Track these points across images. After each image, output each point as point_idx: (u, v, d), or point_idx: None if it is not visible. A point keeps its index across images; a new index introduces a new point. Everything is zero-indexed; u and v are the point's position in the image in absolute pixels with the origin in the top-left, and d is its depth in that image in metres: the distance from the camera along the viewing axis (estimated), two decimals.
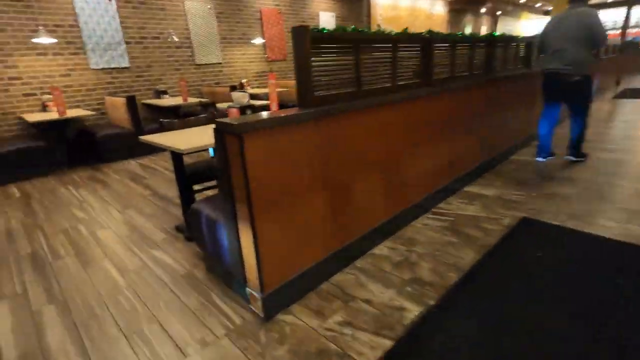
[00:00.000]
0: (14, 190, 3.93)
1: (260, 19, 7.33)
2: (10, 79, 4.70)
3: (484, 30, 16.23)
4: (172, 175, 3.09)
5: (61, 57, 5.05)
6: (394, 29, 2.91)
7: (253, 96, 4.79)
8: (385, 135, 2.21)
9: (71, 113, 4.52)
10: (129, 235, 2.64)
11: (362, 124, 2.02)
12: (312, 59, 1.69)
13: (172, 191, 3.46)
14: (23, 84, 4.80)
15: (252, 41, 7.30)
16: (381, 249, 2.21)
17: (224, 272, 1.96)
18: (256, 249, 1.57)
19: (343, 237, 2.03)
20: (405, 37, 2.26)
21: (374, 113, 2.08)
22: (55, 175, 4.39)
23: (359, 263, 2.08)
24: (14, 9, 4.62)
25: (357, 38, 1.93)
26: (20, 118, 4.80)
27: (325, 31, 1.77)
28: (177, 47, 6.19)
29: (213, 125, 1.56)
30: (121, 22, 5.52)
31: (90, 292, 1.98)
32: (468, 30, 14.81)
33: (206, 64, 6.64)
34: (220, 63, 6.84)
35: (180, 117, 5.00)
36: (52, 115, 4.36)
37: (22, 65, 4.75)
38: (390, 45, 2.15)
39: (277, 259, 1.68)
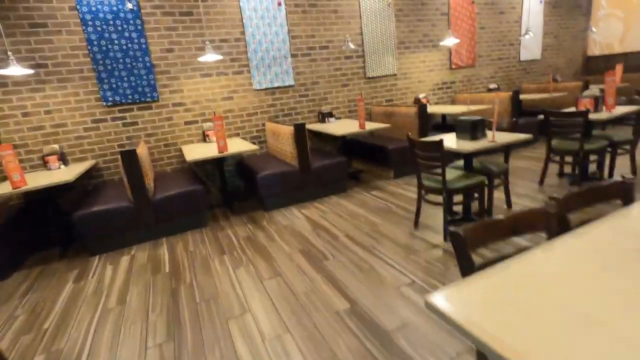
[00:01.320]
0: (163, 249, 3.09)
1: (447, 13, 5.55)
2: (175, 105, 4.10)
3: None
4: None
5: (224, 77, 4.28)
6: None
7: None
8: None
9: (232, 147, 3.58)
10: None
11: None
12: None
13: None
14: (186, 110, 4.17)
15: (441, 43, 5.57)
16: None
17: None
18: None
19: None
20: None
21: None
22: (211, 229, 3.49)
23: None
24: (182, 24, 3.99)
25: None
26: (180, 150, 4.17)
27: None
28: (347, 58, 4.92)
29: None
30: (289, 31, 4.52)
31: None
32: None
33: (378, 77, 5.21)
34: (394, 74, 5.33)
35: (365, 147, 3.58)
36: (211, 151, 3.48)
37: (186, 89, 4.12)
38: None
39: None
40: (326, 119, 4.76)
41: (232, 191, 4.48)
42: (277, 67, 4.53)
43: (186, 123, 4.20)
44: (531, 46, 6.47)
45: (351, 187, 4.21)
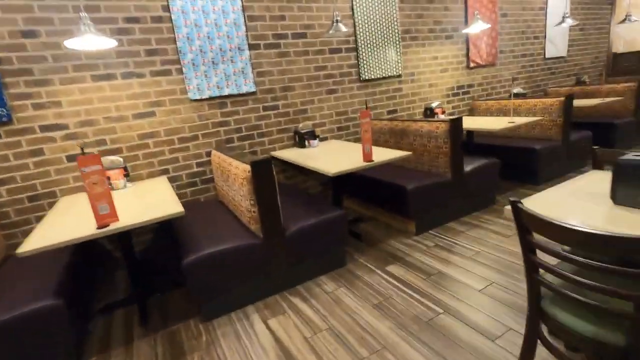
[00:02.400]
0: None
1: None
2: (44, 128, 2.38)
3: None
4: None
5: (137, 81, 2.61)
6: None
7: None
8: None
9: (156, 197, 1.91)
10: None
11: None
12: None
13: None
14: (66, 136, 2.46)
15: (464, 31, 4.16)
16: None
17: None
18: None
19: None
20: None
21: None
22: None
23: None
24: None
25: None
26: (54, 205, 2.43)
27: None
28: (333, 52, 3.37)
29: None
30: (244, 9, 2.92)
31: None
32: None
33: (376, 79, 3.69)
34: (398, 76, 3.83)
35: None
36: (129, 202, 1.80)
37: (66, 100, 2.42)
38: None
39: None
40: (306, 141, 3.17)
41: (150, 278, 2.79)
42: (228, 65, 2.90)
43: (69, 159, 2.48)
44: (557, 41, 5.20)
45: (350, 253, 2.61)
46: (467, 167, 2.94)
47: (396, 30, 3.68)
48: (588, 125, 4.34)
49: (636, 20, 5.26)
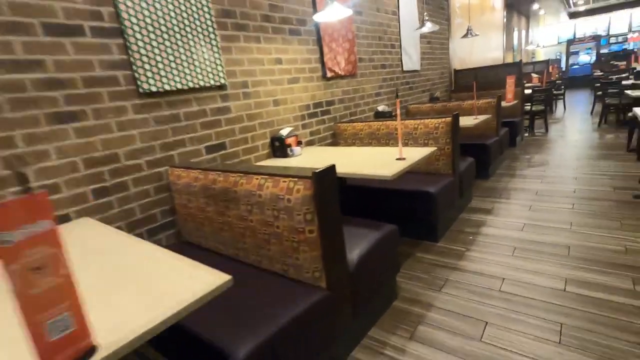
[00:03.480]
0: None
1: None
2: None
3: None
4: None
5: None
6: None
7: None
8: None
9: None
10: None
11: None
12: None
13: None
14: None
15: (307, 27, 2.86)
16: None
17: None
18: None
19: None
20: None
21: None
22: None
23: None
24: None
25: None
26: None
27: None
28: (63, 34, 1.57)
29: None
30: None
31: None
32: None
33: (173, 93, 2.03)
34: (221, 87, 2.26)
35: None
36: None
37: None
38: None
39: None
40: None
41: None
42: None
43: None
44: (411, 51, 4.61)
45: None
46: (354, 254, 1.57)
47: (204, 9, 2.11)
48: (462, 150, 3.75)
49: (477, 35, 5.17)
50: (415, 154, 2.02)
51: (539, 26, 17.88)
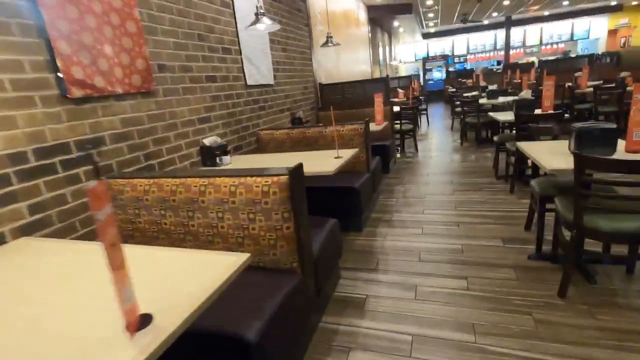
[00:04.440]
0: None
1: None
2: None
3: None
4: None
5: None
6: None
7: None
8: None
9: None
10: None
11: None
12: None
13: None
14: None
15: None
16: None
17: None
18: None
19: None
20: None
21: None
22: None
23: None
24: None
25: None
26: None
27: None
28: None
29: None
30: None
31: None
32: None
33: None
34: None
35: None
36: None
37: None
38: None
39: None
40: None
41: None
42: None
43: None
44: (259, 61, 3.48)
45: None
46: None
47: None
48: (324, 196, 2.77)
49: (339, 44, 4.37)
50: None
51: (400, 43, 19.35)
